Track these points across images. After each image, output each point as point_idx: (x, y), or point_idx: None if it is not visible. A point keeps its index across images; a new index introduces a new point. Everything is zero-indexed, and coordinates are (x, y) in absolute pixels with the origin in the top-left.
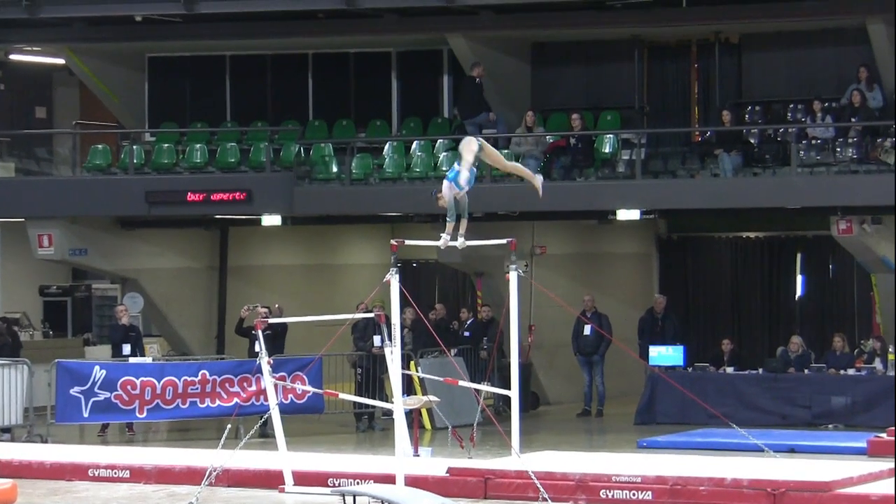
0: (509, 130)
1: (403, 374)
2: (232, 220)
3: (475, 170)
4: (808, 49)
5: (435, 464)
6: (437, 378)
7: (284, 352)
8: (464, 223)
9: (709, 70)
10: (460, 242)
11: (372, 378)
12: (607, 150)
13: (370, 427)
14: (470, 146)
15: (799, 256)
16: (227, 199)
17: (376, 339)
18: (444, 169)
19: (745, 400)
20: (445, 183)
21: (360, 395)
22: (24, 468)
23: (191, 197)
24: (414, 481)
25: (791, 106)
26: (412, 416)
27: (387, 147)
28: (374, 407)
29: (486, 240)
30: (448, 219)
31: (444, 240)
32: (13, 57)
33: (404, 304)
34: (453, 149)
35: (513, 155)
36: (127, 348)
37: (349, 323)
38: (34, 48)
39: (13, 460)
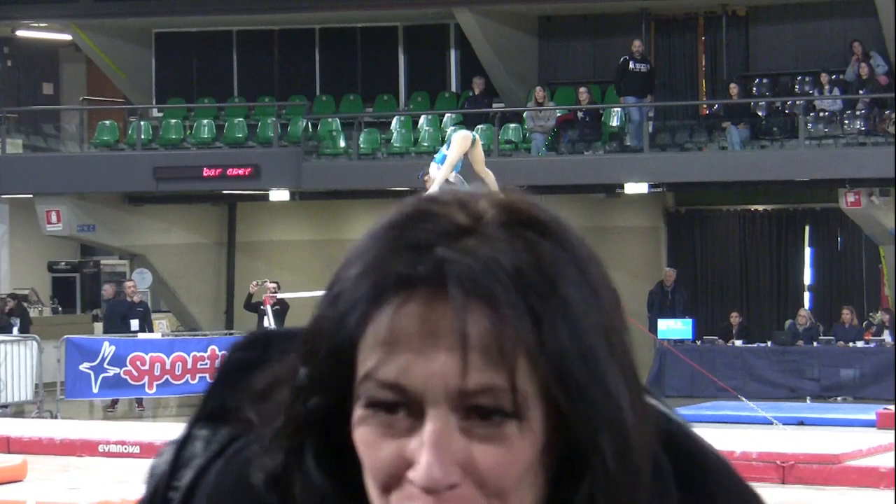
0: (516, 105)
1: None
2: (240, 195)
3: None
4: (816, 21)
5: None
6: None
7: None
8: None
9: (716, 43)
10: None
11: None
12: (615, 124)
13: None
14: (464, 143)
15: (807, 229)
16: (235, 174)
17: None
18: None
19: (754, 373)
20: (433, 164)
21: None
22: (34, 444)
23: (199, 173)
24: None
25: (798, 78)
26: None
27: (394, 122)
28: None
29: None
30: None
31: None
32: (20, 33)
33: None
34: (461, 123)
35: (522, 130)
36: (135, 324)
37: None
38: (41, 24)
39: (23, 436)
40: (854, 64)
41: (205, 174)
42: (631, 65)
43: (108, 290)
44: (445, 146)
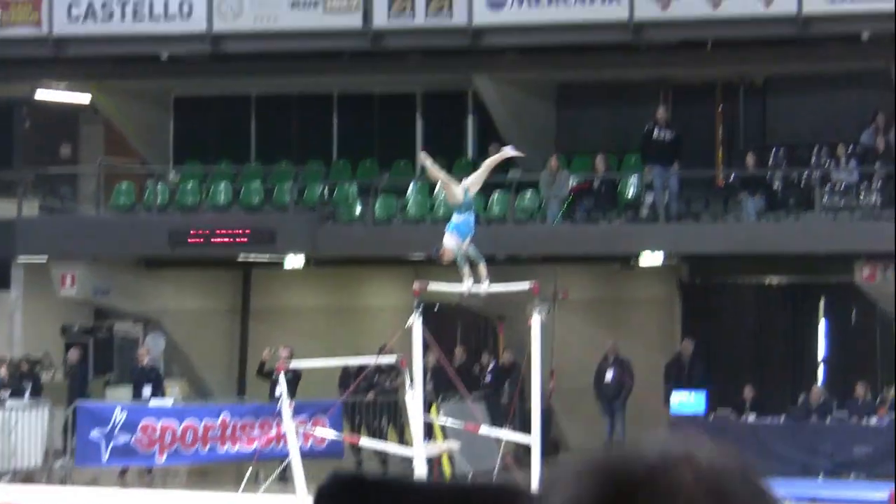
0: (534, 172)
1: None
2: (255, 262)
3: (473, 210)
4: (832, 92)
5: None
6: (457, 424)
7: (296, 396)
8: (482, 267)
9: (733, 112)
10: (484, 288)
11: (374, 422)
12: (630, 194)
13: (384, 471)
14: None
15: (822, 302)
16: (250, 239)
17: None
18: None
19: (767, 448)
20: (446, 235)
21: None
22: None
23: (215, 237)
24: None
25: (815, 149)
26: (432, 462)
27: (411, 188)
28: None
29: (508, 283)
30: (460, 267)
31: (466, 286)
32: (39, 94)
33: (426, 347)
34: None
35: (538, 198)
36: (148, 390)
37: (372, 366)
38: (59, 86)
39: None
40: (870, 135)
41: (220, 239)
42: (655, 132)
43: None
44: (457, 213)
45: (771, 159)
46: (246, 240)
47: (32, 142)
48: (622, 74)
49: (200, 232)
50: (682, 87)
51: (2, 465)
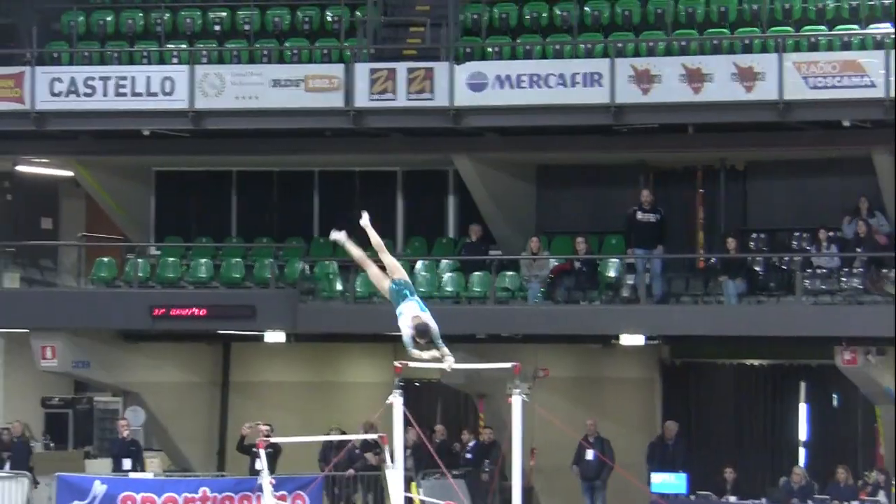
0: (514, 253)
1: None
2: (235, 335)
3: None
4: (813, 178)
5: None
6: (438, 502)
7: (276, 471)
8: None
9: (714, 196)
10: (447, 363)
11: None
12: (612, 274)
13: None
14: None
15: (803, 385)
16: (230, 315)
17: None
18: (448, 289)
19: None
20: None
21: None
22: None
23: (194, 312)
24: None
25: (796, 234)
26: None
27: None
28: None
29: (489, 361)
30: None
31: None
32: (20, 168)
33: (406, 425)
34: (458, 269)
35: (519, 278)
36: (128, 463)
37: (353, 442)
38: (41, 160)
39: None
40: (853, 224)
41: (201, 314)
42: (639, 214)
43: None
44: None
45: (752, 243)
46: (226, 315)
47: (14, 215)
48: (603, 156)
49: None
50: (663, 169)
51: None
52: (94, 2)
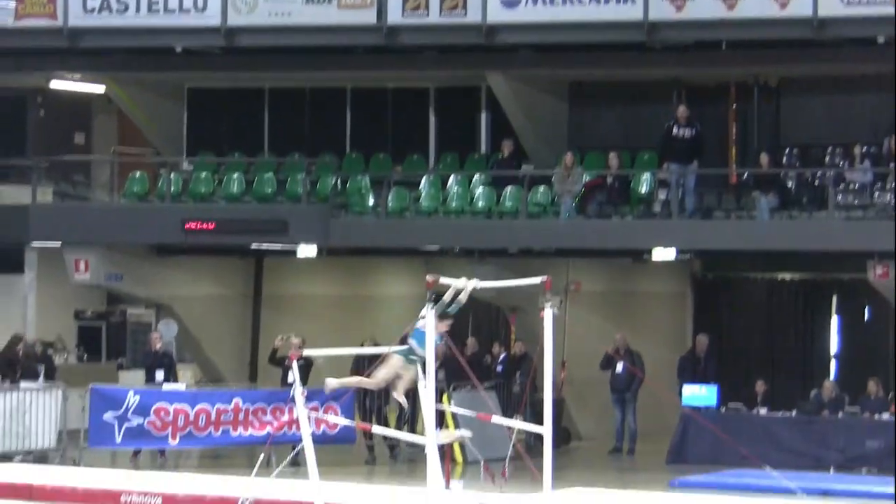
0: (545, 168)
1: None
2: (267, 249)
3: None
4: (847, 94)
5: (466, 498)
6: (469, 413)
7: (308, 383)
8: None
9: (747, 113)
10: (466, 293)
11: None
12: (644, 190)
13: (393, 457)
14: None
15: (834, 299)
16: (263, 229)
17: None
18: (480, 205)
19: (778, 442)
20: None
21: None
22: (57, 493)
23: (227, 227)
24: None
25: (829, 150)
26: (444, 450)
27: (423, 181)
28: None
29: (521, 276)
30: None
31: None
32: (53, 84)
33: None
34: (490, 185)
35: (551, 193)
36: (160, 375)
37: (385, 355)
38: (74, 76)
39: (46, 485)
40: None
41: (233, 228)
42: (675, 130)
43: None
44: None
45: (785, 159)
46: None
47: (46, 130)
48: (635, 73)
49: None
50: (696, 86)
51: (16, 445)
52: None
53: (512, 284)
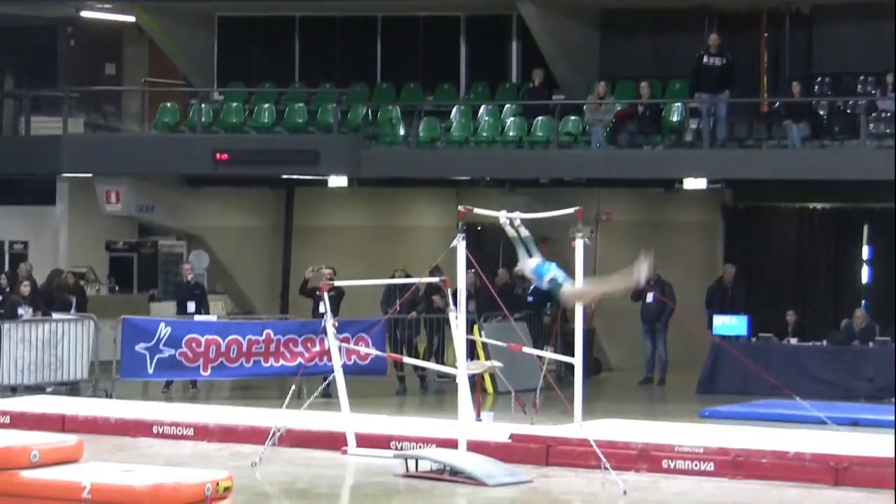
0: (576, 98)
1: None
2: (298, 180)
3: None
4: (880, 21)
5: (497, 429)
6: (500, 343)
7: (339, 314)
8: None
9: (778, 41)
10: (512, 225)
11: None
12: (675, 119)
13: (423, 388)
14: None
15: (865, 228)
16: (293, 160)
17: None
18: (511, 134)
19: (809, 372)
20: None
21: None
22: (90, 423)
23: (258, 157)
24: (476, 446)
25: (861, 78)
26: (474, 381)
27: (454, 111)
28: (423, 369)
29: (552, 206)
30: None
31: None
32: (84, 14)
33: (469, 268)
34: (521, 114)
35: (582, 122)
36: (192, 306)
37: (416, 285)
38: (104, 5)
39: (78, 415)
40: None
41: (264, 159)
42: (706, 59)
43: (185, 269)
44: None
45: (816, 87)
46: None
47: (77, 61)
48: (667, 1)
49: (244, 151)
50: (727, 14)
51: (48, 377)
52: None
53: (545, 216)
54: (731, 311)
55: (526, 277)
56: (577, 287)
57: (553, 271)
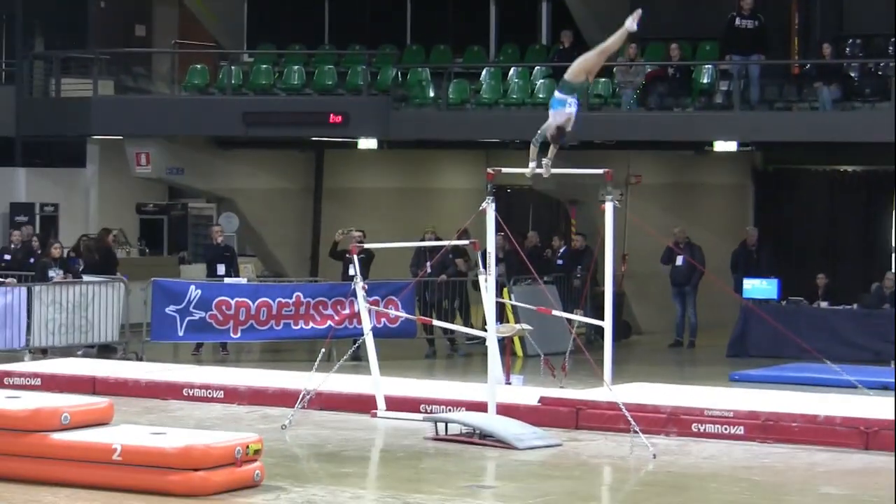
0: (607, 59)
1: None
2: (328, 142)
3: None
4: None
5: (526, 393)
6: (529, 307)
7: (368, 276)
8: (553, 150)
9: (810, 2)
10: (545, 170)
11: (437, 301)
12: (705, 81)
13: (453, 351)
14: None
15: None
16: (323, 121)
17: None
18: (541, 96)
19: (839, 335)
20: (551, 112)
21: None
22: (120, 385)
23: (288, 119)
24: (505, 409)
25: (892, 40)
26: (504, 344)
27: (484, 73)
28: (452, 332)
29: (581, 169)
30: (533, 143)
31: (530, 167)
32: None
33: (498, 231)
34: (551, 76)
35: (612, 84)
36: (222, 268)
37: (446, 248)
38: None
39: (109, 377)
40: None
41: (293, 120)
42: (738, 21)
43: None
44: (559, 90)
45: (847, 49)
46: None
47: (107, 23)
48: None
49: (274, 113)
50: None
51: (79, 339)
52: None
53: (575, 173)
54: (756, 273)
55: (563, 127)
56: (574, 63)
57: (562, 94)
